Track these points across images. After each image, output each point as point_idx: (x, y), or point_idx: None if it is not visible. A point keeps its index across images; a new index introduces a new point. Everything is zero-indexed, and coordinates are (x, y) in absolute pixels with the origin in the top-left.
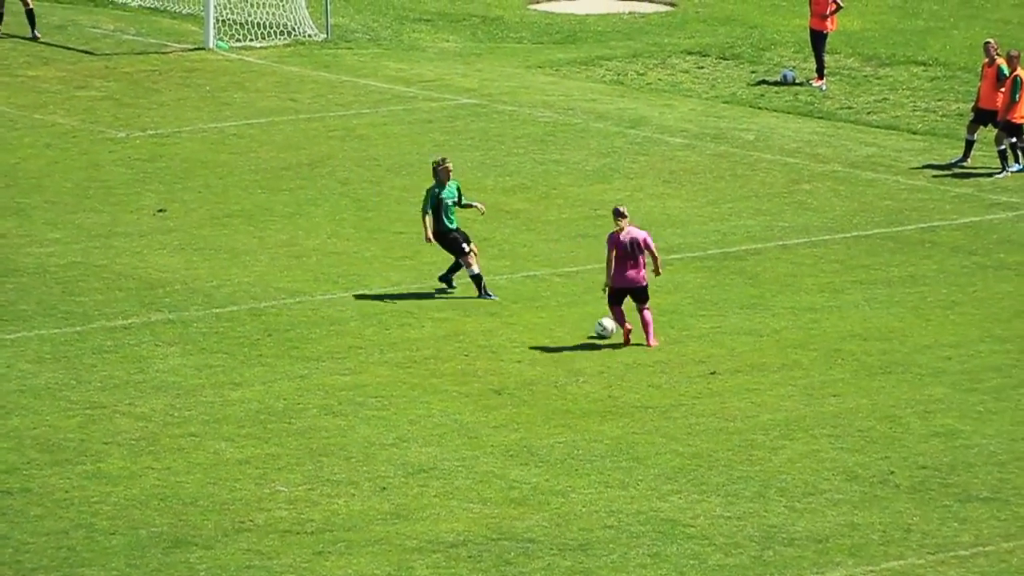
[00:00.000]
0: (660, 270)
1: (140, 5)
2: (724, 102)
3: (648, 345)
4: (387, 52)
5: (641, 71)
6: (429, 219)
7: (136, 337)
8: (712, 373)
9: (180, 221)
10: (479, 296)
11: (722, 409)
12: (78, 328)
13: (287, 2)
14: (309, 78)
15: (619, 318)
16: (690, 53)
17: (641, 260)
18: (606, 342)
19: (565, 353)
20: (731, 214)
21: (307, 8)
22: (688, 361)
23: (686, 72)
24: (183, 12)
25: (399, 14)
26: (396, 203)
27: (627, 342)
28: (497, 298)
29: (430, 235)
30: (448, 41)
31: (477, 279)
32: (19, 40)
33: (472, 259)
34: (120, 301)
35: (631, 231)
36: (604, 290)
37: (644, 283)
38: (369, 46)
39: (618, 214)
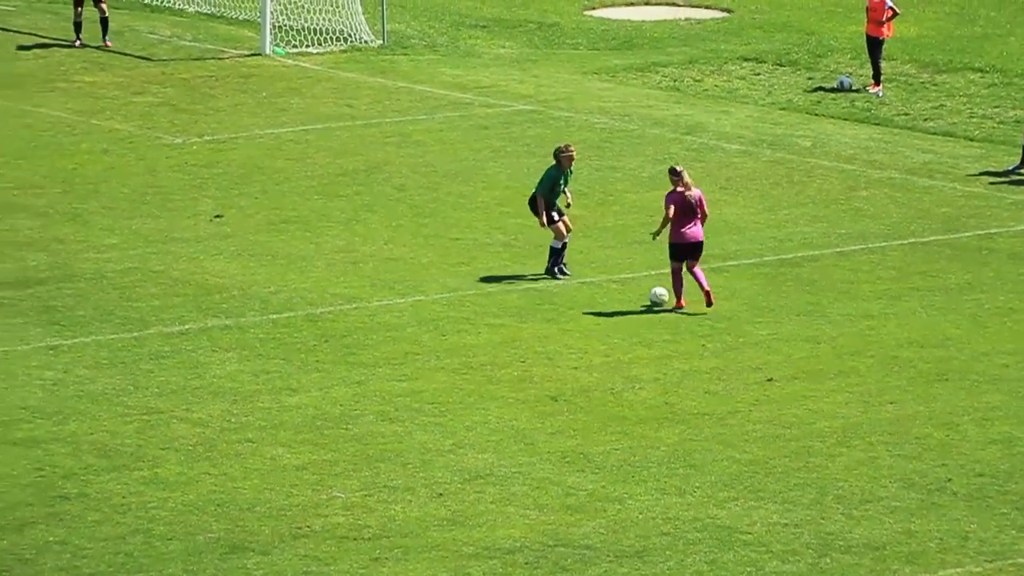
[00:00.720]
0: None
1: (197, 11)
2: (780, 108)
3: (706, 295)
4: (443, 58)
5: (697, 77)
6: (540, 198)
7: (193, 343)
8: (769, 380)
9: (237, 227)
10: (547, 271)
11: (779, 416)
12: (135, 334)
13: (344, 8)
14: (366, 84)
15: (678, 281)
16: (746, 59)
17: (699, 217)
18: (661, 349)
19: (621, 359)
20: (788, 221)
21: (364, 14)
22: (745, 368)
23: (742, 78)
24: (240, 18)
25: (455, 20)
26: (452, 209)
27: (679, 306)
28: (569, 274)
29: (544, 220)
30: (504, 47)
31: (557, 253)
32: (77, 45)
33: (563, 229)
34: (177, 307)
35: (694, 190)
36: (653, 238)
37: (701, 239)
38: (425, 52)
39: (674, 173)
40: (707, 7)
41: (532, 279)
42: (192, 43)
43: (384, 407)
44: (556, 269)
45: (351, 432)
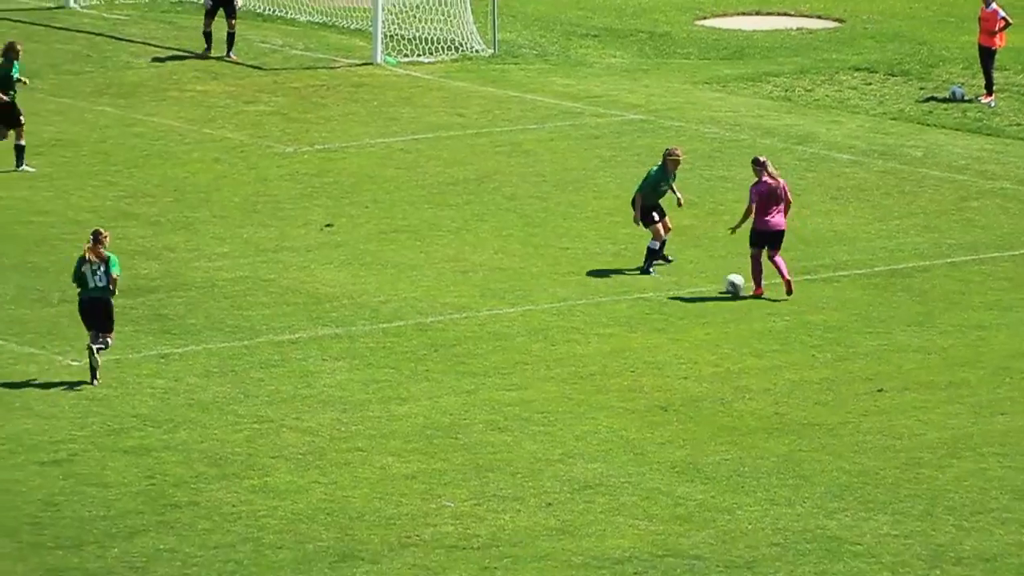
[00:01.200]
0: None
1: (309, 20)
2: (892, 119)
3: (786, 284)
4: (554, 67)
5: (808, 87)
6: (639, 198)
7: (303, 351)
8: (879, 390)
9: (347, 236)
10: (642, 271)
11: (889, 427)
12: (246, 342)
13: (455, 18)
14: (476, 93)
15: (757, 268)
16: (858, 69)
17: (784, 207)
18: (771, 360)
19: (731, 370)
20: (898, 231)
21: (475, 24)
22: (855, 378)
23: (854, 88)
24: (351, 27)
25: (566, 30)
26: (563, 219)
27: (758, 294)
28: (656, 274)
29: (639, 218)
30: (615, 57)
31: (653, 253)
32: (189, 55)
33: (661, 229)
34: (287, 315)
35: (778, 180)
36: (731, 232)
37: (784, 228)
38: (536, 61)
39: (757, 163)
40: (819, 17)
41: (640, 292)
42: (304, 52)
43: (494, 416)
44: (650, 268)
45: (460, 441)
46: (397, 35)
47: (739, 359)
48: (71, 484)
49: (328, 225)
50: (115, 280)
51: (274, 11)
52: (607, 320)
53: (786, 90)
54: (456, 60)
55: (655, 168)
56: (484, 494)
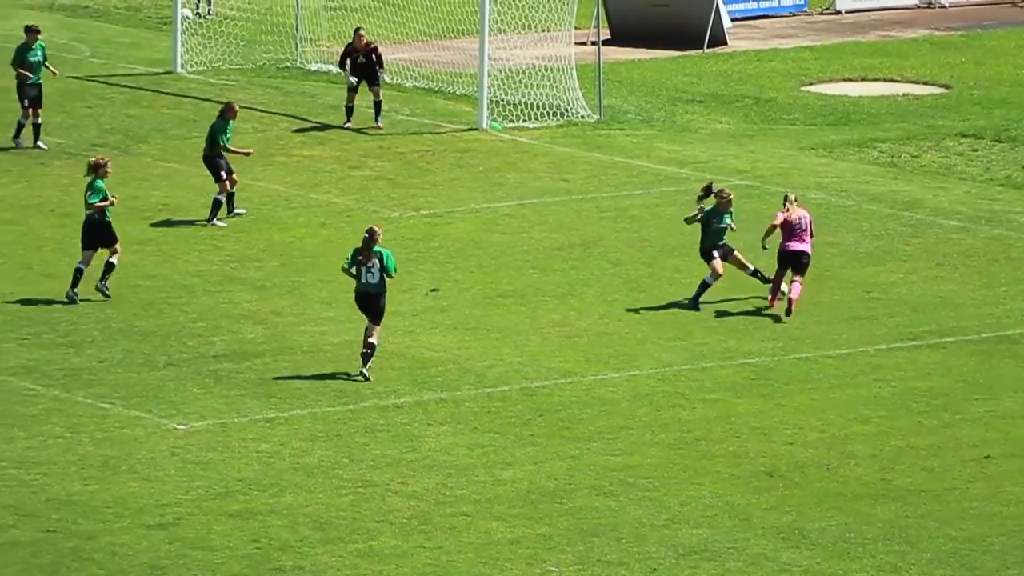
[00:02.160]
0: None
1: (415, 85)
2: (999, 185)
3: (788, 303)
4: (660, 133)
5: (915, 153)
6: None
7: (408, 416)
8: (986, 457)
9: (453, 300)
10: (754, 274)
11: (996, 494)
12: (351, 406)
13: (560, 83)
14: (582, 159)
15: (776, 285)
16: (964, 135)
17: (806, 235)
18: (877, 426)
19: (837, 435)
20: (1006, 297)
21: (580, 89)
22: (961, 445)
23: (960, 155)
24: (457, 92)
25: (672, 95)
26: (668, 284)
27: (770, 305)
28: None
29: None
30: (721, 122)
31: (705, 287)
32: (295, 119)
33: (719, 267)
34: (393, 380)
35: (800, 212)
36: (763, 247)
37: (806, 251)
38: (642, 127)
39: (786, 199)
40: (925, 83)
41: (746, 357)
42: (410, 117)
43: (598, 481)
44: (697, 300)
45: (565, 506)
46: (503, 100)
47: (845, 425)
48: (177, 548)
49: (434, 290)
50: (390, 276)
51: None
52: (712, 385)
53: (892, 156)
54: (562, 125)
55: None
56: (589, 559)
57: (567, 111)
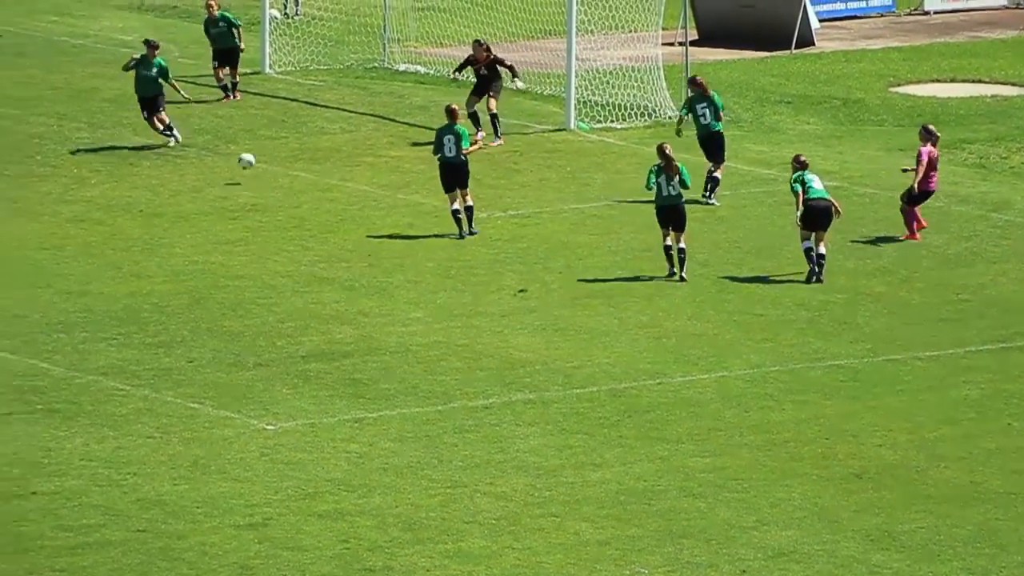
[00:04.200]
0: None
1: (503, 86)
2: None
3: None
4: (748, 134)
5: (1004, 154)
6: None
7: (497, 416)
8: None
9: (541, 301)
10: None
11: None
12: (439, 407)
13: (648, 84)
14: None
15: (910, 218)
16: None
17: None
18: (967, 428)
19: (926, 437)
20: None
21: (668, 90)
22: None
23: None
24: (544, 93)
25: (759, 96)
26: (756, 284)
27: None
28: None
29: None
30: (809, 123)
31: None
32: (383, 120)
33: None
34: (481, 380)
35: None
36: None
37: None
38: (730, 128)
39: (927, 131)
40: (1013, 84)
41: (834, 359)
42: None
43: (687, 483)
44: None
45: (654, 508)
46: (591, 101)
47: (934, 427)
48: (266, 548)
49: (522, 290)
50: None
51: (467, 77)
52: (801, 387)
53: (981, 157)
54: (649, 126)
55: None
56: (678, 561)
57: (654, 112)
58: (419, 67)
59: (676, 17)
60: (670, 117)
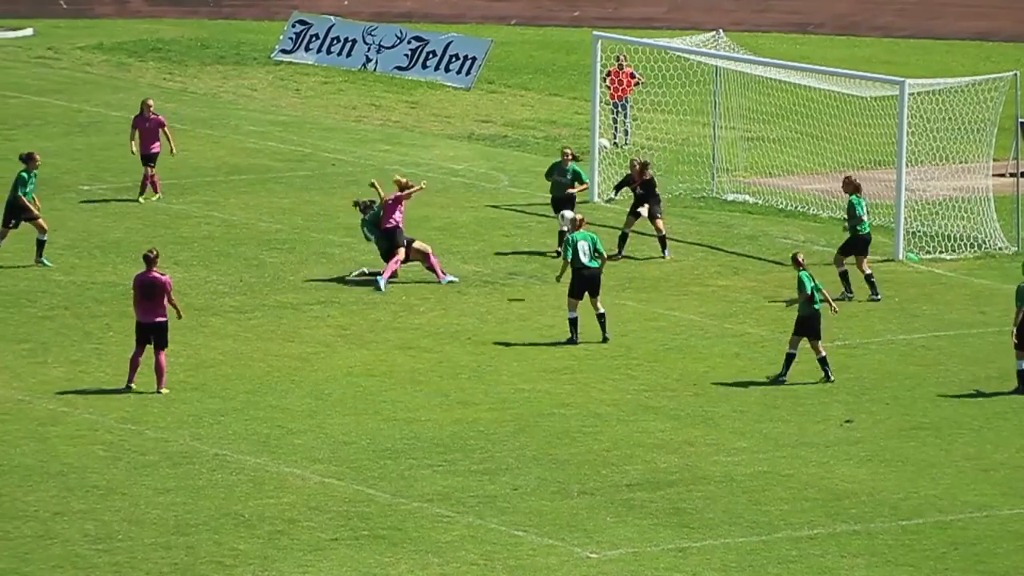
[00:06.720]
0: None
1: (830, 216)
2: None
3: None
4: None
5: None
6: None
7: (821, 548)
8: None
9: (867, 432)
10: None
11: None
12: (764, 537)
13: (978, 215)
14: (999, 292)
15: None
16: None
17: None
18: None
19: None
20: None
21: (998, 221)
22: None
23: None
24: (873, 223)
25: None
26: None
27: None
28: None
29: None
30: None
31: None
32: (711, 250)
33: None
34: (806, 511)
35: None
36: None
37: None
38: None
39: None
40: None
41: None
42: (824, 248)
43: None
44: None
45: None
46: (919, 231)
47: None
48: None
49: (848, 421)
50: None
51: (796, 207)
52: None
53: None
54: (979, 257)
55: None
56: None
57: (984, 243)
58: (747, 197)
59: (1006, 148)
60: (1000, 249)
